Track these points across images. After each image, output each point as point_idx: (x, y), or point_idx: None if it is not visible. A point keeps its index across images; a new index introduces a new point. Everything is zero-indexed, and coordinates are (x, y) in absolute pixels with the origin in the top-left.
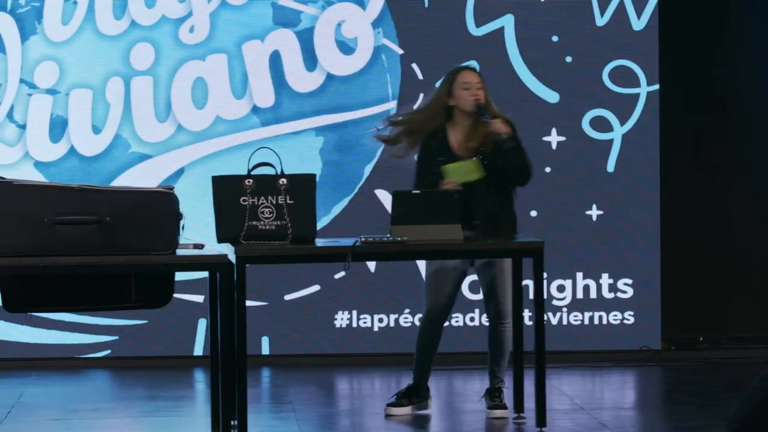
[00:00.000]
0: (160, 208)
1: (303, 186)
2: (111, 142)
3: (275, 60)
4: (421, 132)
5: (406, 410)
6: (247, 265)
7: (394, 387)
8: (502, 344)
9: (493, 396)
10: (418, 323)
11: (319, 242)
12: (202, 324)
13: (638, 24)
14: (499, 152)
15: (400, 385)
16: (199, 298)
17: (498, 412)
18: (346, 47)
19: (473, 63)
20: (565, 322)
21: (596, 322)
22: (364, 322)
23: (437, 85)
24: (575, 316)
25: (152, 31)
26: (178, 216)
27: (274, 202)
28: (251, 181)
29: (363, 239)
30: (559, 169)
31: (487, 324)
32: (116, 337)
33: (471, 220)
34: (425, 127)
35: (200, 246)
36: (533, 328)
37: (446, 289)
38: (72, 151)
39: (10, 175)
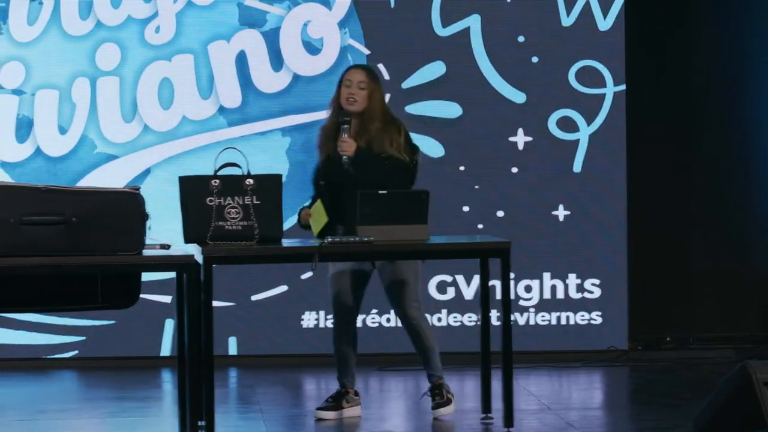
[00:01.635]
0: (126, 208)
1: (270, 186)
2: (77, 143)
3: (241, 60)
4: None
5: (333, 414)
6: (214, 265)
7: (361, 387)
8: (421, 341)
9: (434, 395)
10: (386, 323)
11: (286, 242)
12: (169, 324)
13: (604, 24)
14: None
15: (367, 386)
16: (166, 299)
17: (441, 411)
18: (312, 47)
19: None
20: (532, 322)
21: (563, 322)
22: (332, 323)
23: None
24: (542, 316)
25: (118, 31)
26: (145, 216)
27: (241, 203)
28: (218, 181)
29: (329, 240)
30: (526, 170)
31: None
32: (83, 338)
33: (344, 220)
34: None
35: (167, 246)
36: (500, 329)
37: (348, 290)
38: (38, 151)
39: None
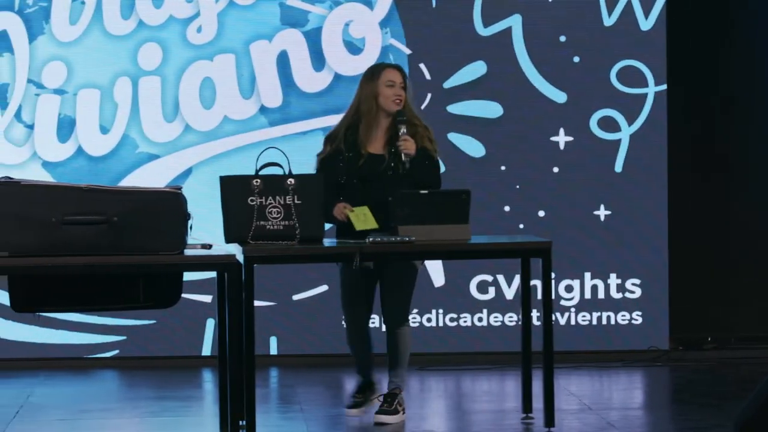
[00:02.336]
0: (168, 208)
1: (311, 186)
2: (119, 142)
3: (283, 60)
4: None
5: (361, 411)
6: (255, 265)
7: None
8: (402, 345)
9: (384, 401)
10: (426, 323)
11: (327, 242)
12: (211, 324)
13: (646, 24)
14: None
15: (408, 386)
16: (208, 298)
17: (383, 417)
18: (353, 47)
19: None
20: (573, 322)
21: (604, 322)
22: (372, 322)
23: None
24: (583, 316)
25: (160, 31)
26: (186, 216)
27: (282, 202)
28: (259, 181)
29: (371, 239)
30: (567, 169)
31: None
32: (124, 337)
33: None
34: (365, 123)
35: (208, 246)
36: (541, 329)
37: (358, 290)
38: (80, 151)
39: (18, 175)
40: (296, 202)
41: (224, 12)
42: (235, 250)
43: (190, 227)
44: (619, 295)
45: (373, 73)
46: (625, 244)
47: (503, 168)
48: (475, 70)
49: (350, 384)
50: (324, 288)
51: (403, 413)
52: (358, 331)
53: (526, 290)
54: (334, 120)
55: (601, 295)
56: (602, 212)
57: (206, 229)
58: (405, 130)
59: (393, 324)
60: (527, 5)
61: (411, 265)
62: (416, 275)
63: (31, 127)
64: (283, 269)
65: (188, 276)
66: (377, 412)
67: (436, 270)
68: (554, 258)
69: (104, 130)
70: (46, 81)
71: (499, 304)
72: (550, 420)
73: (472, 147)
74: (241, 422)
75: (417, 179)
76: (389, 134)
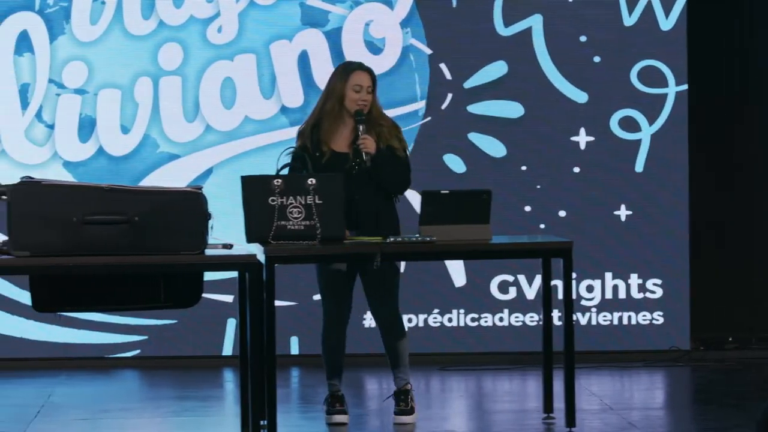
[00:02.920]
0: (188, 208)
1: (331, 186)
2: (139, 142)
3: (303, 60)
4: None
5: (346, 417)
6: (276, 264)
7: (423, 387)
8: (403, 341)
9: (398, 400)
10: (447, 323)
11: (348, 242)
12: (231, 324)
13: (666, 24)
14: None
15: (429, 386)
16: (228, 298)
17: (403, 418)
18: (374, 47)
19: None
20: (594, 322)
21: (625, 322)
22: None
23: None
24: (604, 316)
25: (180, 31)
26: (207, 216)
27: (303, 202)
28: (280, 181)
29: (392, 239)
30: (588, 169)
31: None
32: (145, 337)
33: (356, 220)
34: (327, 122)
35: (229, 246)
36: (562, 329)
37: (342, 290)
38: (101, 151)
39: (39, 175)
40: (317, 202)
41: (245, 12)
42: (256, 249)
43: (211, 227)
44: (640, 295)
45: (343, 73)
46: (646, 243)
47: (524, 168)
48: (496, 69)
49: (370, 384)
50: None
51: (415, 408)
52: (338, 333)
53: (547, 290)
54: None
55: (622, 295)
56: (623, 212)
57: (227, 229)
58: (363, 129)
59: (387, 322)
60: (548, 5)
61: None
62: (398, 270)
63: (51, 127)
64: (304, 269)
65: (209, 276)
66: (397, 413)
67: (457, 270)
68: (575, 258)
69: (125, 130)
70: (66, 81)
71: (520, 304)
72: (571, 420)
73: (493, 147)
74: (262, 422)
75: (382, 178)
76: (354, 133)
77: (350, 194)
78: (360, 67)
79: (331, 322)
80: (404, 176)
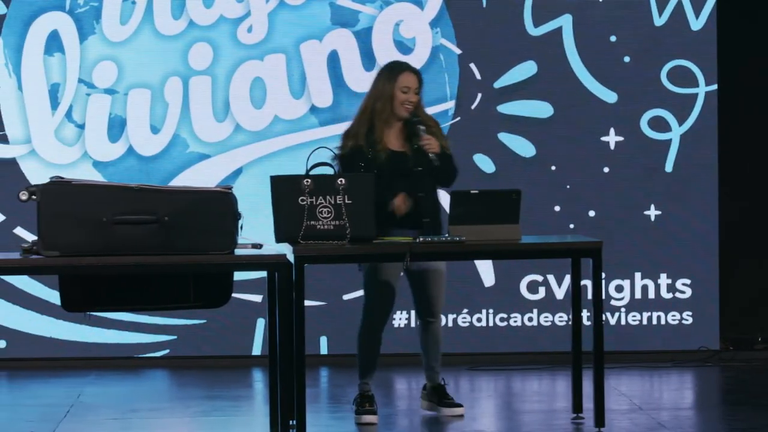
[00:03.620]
0: (218, 207)
1: (361, 186)
2: (169, 142)
3: (333, 60)
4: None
5: (375, 417)
6: (305, 264)
7: (452, 387)
8: (438, 340)
9: (442, 394)
10: (476, 323)
11: (377, 242)
12: (261, 324)
13: (696, 24)
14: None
15: (458, 385)
16: (258, 298)
17: (456, 410)
18: (404, 47)
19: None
20: (623, 322)
21: (654, 322)
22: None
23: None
24: (633, 316)
25: (210, 31)
26: (237, 215)
27: (333, 202)
28: (309, 180)
29: (421, 239)
30: (618, 169)
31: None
32: (175, 337)
33: (417, 218)
34: (379, 122)
35: (259, 246)
36: (592, 329)
37: (391, 291)
38: (130, 150)
39: (68, 174)
40: (347, 201)
41: (274, 12)
42: (286, 249)
43: (241, 227)
44: (669, 295)
45: (391, 73)
46: (675, 244)
47: (553, 168)
48: (526, 69)
49: (400, 383)
50: None
51: None
52: (378, 334)
53: (576, 290)
54: None
55: (651, 295)
56: (652, 212)
57: (257, 228)
58: (424, 129)
59: (436, 321)
60: (578, 5)
61: (439, 264)
62: (443, 274)
63: (81, 126)
64: (334, 269)
65: (238, 276)
66: (448, 406)
67: (486, 270)
68: (604, 258)
69: (155, 129)
70: (96, 81)
71: (549, 304)
72: (600, 420)
73: (523, 147)
74: (291, 422)
75: (440, 174)
76: (405, 132)
77: (415, 192)
78: (407, 68)
79: (373, 322)
80: (455, 171)
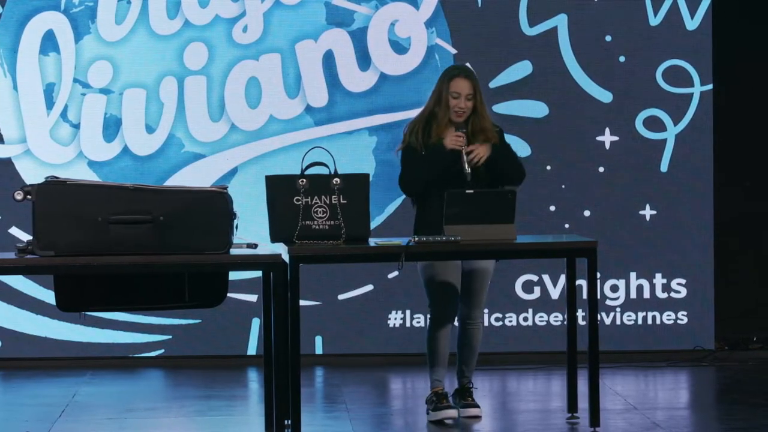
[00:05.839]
0: (213, 207)
1: (357, 185)
2: (164, 142)
3: (329, 59)
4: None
5: (456, 412)
6: (300, 264)
7: (447, 387)
8: (473, 343)
9: (464, 396)
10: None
11: (373, 242)
12: (256, 323)
13: (692, 24)
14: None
15: (453, 385)
16: (253, 298)
17: (472, 411)
18: (399, 47)
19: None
20: (618, 322)
21: (649, 322)
22: (418, 322)
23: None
24: (629, 316)
25: (206, 30)
26: (232, 215)
27: (328, 202)
28: (305, 180)
29: (416, 239)
30: (613, 169)
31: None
32: (170, 337)
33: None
34: (435, 122)
35: (254, 245)
36: (587, 328)
37: (453, 289)
38: (126, 150)
39: (64, 174)
40: (342, 201)
41: (270, 11)
42: (281, 249)
43: (236, 226)
44: (664, 295)
45: (445, 78)
46: (670, 243)
47: (549, 168)
48: (521, 69)
49: (395, 383)
50: (369, 287)
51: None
52: (445, 331)
53: (571, 290)
54: (379, 120)
55: (646, 294)
56: (648, 212)
57: (252, 228)
58: (463, 135)
59: (476, 320)
60: (573, 5)
61: (486, 264)
62: (489, 275)
63: (77, 126)
64: (329, 269)
65: (234, 275)
66: (468, 407)
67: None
68: (599, 258)
69: (150, 129)
70: (92, 80)
71: (544, 304)
72: (595, 420)
73: (518, 146)
74: (286, 421)
75: (501, 168)
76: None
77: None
78: (460, 73)
79: (438, 321)
80: (519, 164)
